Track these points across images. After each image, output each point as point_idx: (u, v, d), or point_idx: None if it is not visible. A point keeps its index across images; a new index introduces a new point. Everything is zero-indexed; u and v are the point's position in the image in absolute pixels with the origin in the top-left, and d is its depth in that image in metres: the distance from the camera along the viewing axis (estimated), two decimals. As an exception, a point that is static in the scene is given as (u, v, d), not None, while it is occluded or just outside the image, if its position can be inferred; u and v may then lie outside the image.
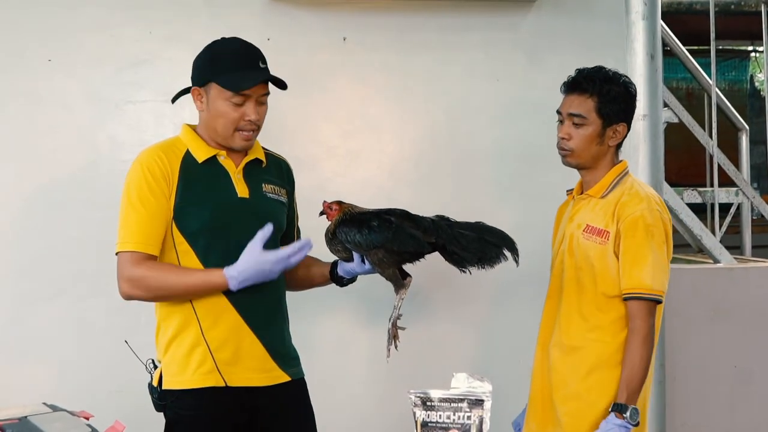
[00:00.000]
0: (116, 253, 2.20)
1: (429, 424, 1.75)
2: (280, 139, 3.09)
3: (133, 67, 3.10)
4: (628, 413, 2.21)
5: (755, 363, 3.56)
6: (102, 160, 3.08)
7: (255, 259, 2.14)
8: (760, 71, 10.30)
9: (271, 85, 2.31)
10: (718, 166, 4.02)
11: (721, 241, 3.84)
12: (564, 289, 2.42)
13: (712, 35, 3.94)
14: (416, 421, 1.76)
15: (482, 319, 3.37)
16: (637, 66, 2.96)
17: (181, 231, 2.20)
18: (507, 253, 2.25)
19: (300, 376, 2.36)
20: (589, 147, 2.38)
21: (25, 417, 1.74)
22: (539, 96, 3.33)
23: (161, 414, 2.25)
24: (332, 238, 2.30)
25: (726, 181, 4.14)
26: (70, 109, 3.07)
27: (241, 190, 2.27)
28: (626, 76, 2.44)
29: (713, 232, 3.96)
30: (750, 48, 9.86)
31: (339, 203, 2.29)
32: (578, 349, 2.35)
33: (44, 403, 1.87)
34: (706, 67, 4.18)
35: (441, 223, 2.25)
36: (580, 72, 2.41)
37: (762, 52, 9.62)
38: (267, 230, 2.17)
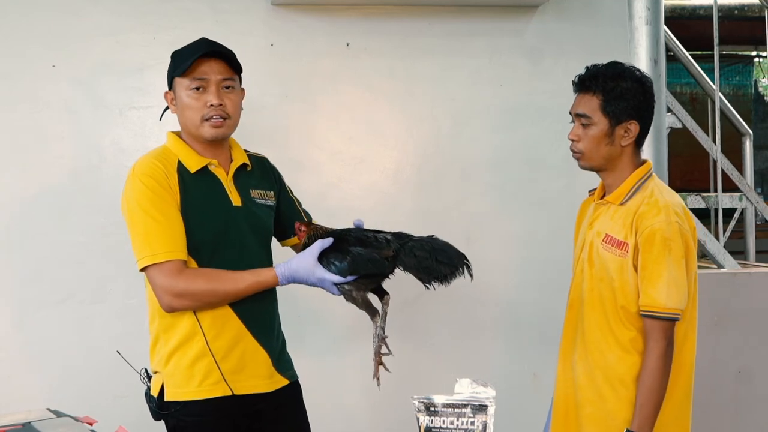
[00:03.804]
0: (143, 268, 2.11)
1: (433, 430, 1.75)
2: (283, 145, 3.11)
3: (137, 72, 3.11)
4: None
5: (759, 368, 3.54)
6: (106, 165, 3.08)
7: (308, 264, 2.12)
8: (764, 76, 10.29)
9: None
10: (722, 171, 4.00)
11: (724, 246, 3.83)
12: (585, 301, 2.32)
13: (716, 40, 3.93)
14: (420, 427, 1.75)
15: (487, 324, 3.36)
16: (641, 71, 2.96)
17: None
18: (462, 270, 2.14)
19: (295, 379, 2.37)
20: (598, 148, 2.27)
21: (29, 422, 1.75)
22: (543, 101, 3.34)
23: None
24: None
25: (730, 187, 4.12)
26: (75, 115, 3.07)
27: (235, 198, 2.24)
28: (641, 71, 2.32)
29: (717, 237, 3.95)
30: (754, 53, 9.84)
31: (308, 225, 2.27)
32: (604, 368, 2.26)
33: (48, 409, 1.88)
34: (710, 72, 4.17)
35: (395, 242, 2.17)
36: (588, 70, 2.31)
37: (766, 57, 9.64)
38: (326, 242, 2.15)
